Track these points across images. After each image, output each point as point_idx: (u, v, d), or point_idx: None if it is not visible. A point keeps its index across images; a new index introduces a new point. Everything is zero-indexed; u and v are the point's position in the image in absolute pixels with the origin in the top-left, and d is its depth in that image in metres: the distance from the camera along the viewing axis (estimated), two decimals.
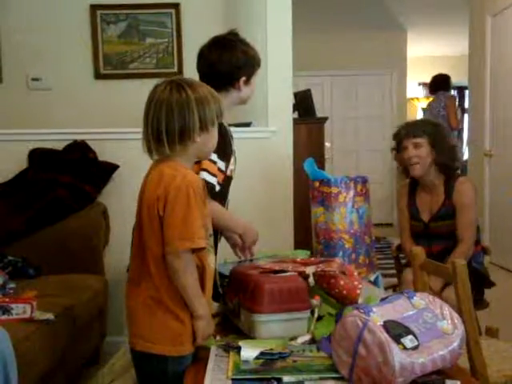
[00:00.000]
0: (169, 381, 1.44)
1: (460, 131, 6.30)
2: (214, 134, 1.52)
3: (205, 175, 1.80)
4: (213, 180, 1.84)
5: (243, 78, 1.98)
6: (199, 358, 1.46)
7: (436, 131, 2.63)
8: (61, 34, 3.81)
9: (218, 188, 1.87)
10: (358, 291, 1.71)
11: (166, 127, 1.42)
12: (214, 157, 1.82)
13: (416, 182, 2.72)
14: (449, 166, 2.62)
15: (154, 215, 1.41)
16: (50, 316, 2.08)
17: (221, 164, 1.87)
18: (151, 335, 1.45)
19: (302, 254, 2.22)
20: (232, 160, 1.97)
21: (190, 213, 1.38)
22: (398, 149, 2.68)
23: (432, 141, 2.58)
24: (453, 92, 6.42)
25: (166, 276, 1.42)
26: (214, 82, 1.69)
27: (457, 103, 6.27)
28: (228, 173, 1.95)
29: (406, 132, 2.62)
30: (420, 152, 2.57)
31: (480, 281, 2.58)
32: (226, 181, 1.95)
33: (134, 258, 1.52)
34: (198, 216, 1.40)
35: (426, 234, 2.66)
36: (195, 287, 1.43)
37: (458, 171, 2.73)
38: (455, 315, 1.36)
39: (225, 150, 1.89)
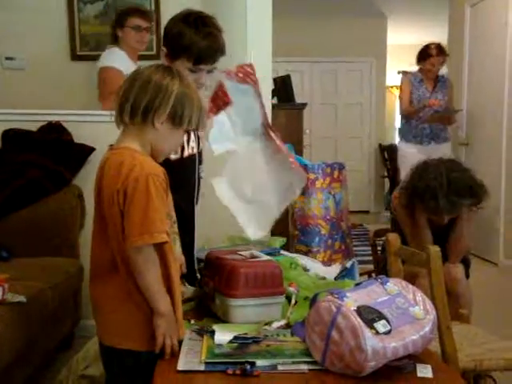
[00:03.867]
0: (141, 371, 1.40)
1: (411, 120, 4.51)
2: (178, 137, 1.47)
3: None
4: None
5: (164, 50, 1.84)
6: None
7: (474, 201, 2.39)
8: (36, 12, 3.72)
9: None
10: None
11: (135, 99, 1.37)
12: None
13: None
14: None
15: (114, 208, 1.35)
16: (21, 298, 2.05)
17: None
18: (123, 330, 1.41)
19: (277, 242, 2.22)
20: (192, 137, 1.91)
21: (149, 205, 1.31)
22: (428, 208, 2.38)
23: (470, 207, 2.43)
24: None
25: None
26: None
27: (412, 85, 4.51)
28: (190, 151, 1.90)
29: (448, 211, 2.35)
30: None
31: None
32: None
33: (95, 249, 1.46)
34: (158, 207, 1.33)
35: None
36: (156, 283, 1.36)
37: None
38: (428, 301, 1.38)
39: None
